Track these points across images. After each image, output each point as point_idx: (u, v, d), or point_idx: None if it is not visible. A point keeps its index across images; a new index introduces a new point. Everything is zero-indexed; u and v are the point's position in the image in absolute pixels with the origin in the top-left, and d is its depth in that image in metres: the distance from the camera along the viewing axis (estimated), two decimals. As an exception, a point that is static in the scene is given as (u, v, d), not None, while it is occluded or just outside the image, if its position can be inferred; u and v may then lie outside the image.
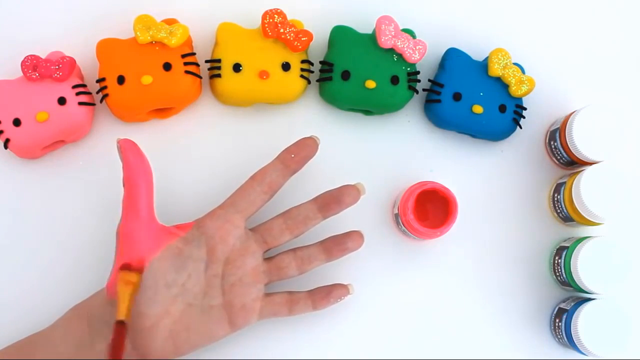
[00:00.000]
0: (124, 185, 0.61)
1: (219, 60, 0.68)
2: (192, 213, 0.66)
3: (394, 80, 0.69)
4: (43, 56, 0.67)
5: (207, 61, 0.69)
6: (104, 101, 0.68)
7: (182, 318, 0.62)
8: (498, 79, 0.69)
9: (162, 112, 0.70)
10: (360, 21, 0.70)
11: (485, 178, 0.72)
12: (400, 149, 0.72)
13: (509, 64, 0.69)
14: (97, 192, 0.69)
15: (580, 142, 0.66)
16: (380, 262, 0.70)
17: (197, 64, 0.69)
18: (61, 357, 0.61)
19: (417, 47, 0.68)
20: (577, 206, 0.65)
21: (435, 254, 0.71)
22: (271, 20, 0.68)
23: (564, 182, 0.68)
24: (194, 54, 0.69)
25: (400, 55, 0.69)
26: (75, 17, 0.72)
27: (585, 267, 0.64)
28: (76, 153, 0.70)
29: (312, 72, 0.70)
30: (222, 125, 0.71)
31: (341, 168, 0.71)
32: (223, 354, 0.67)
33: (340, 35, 0.70)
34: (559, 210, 0.69)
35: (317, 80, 0.70)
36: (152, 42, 0.67)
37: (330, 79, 0.69)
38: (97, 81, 0.68)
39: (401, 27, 0.69)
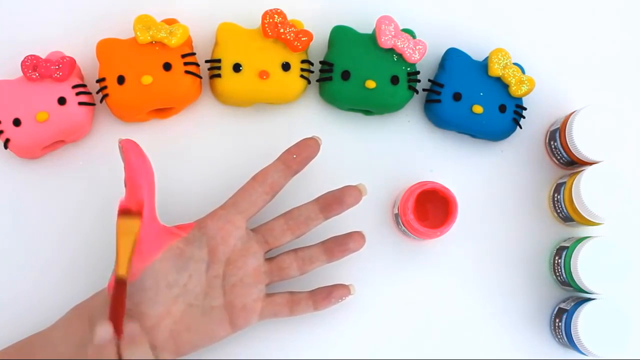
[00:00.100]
0: (125, 186, 0.61)
1: (219, 60, 0.68)
2: (193, 213, 0.66)
3: (394, 80, 0.69)
4: (43, 56, 0.67)
5: (207, 61, 0.69)
6: (104, 101, 0.68)
7: (183, 318, 0.62)
8: (498, 79, 0.69)
9: (162, 112, 0.70)
10: (360, 21, 0.70)
11: (485, 178, 0.72)
12: (400, 149, 0.72)
13: (509, 64, 0.69)
14: (97, 192, 0.69)
15: (580, 142, 0.66)
16: (380, 262, 0.70)
17: (197, 64, 0.69)
18: (61, 357, 0.61)
19: (417, 47, 0.68)
20: (577, 206, 0.65)
21: (435, 254, 0.71)
22: (271, 20, 0.68)
23: (564, 182, 0.68)
24: (194, 54, 0.69)
25: (400, 55, 0.69)
26: (75, 17, 0.71)
27: (585, 267, 0.64)
28: (76, 153, 0.70)
29: (312, 72, 0.70)
30: (222, 125, 0.71)
31: (341, 168, 0.70)
32: (224, 354, 0.67)
33: (340, 35, 0.70)
34: (559, 210, 0.69)
35: (317, 80, 0.70)
36: (152, 42, 0.67)
37: (330, 79, 0.69)
38: (97, 81, 0.68)
39: (401, 27, 0.69)
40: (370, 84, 0.68)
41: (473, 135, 0.71)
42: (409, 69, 0.69)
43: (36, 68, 0.66)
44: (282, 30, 0.68)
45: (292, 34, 0.68)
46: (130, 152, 0.61)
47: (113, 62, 0.67)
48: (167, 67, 0.67)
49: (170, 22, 0.68)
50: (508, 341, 0.70)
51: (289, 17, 0.68)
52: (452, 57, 0.70)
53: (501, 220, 0.71)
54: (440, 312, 0.70)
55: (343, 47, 0.69)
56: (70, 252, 0.69)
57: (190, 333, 0.62)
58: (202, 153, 0.71)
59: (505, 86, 0.69)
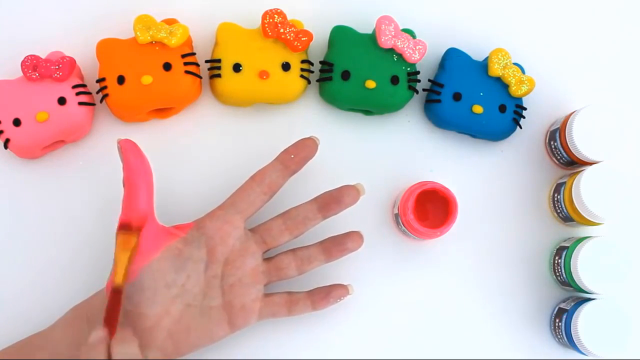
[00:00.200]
0: (124, 186, 0.61)
1: (219, 60, 0.68)
2: (191, 213, 0.66)
3: (394, 80, 0.69)
4: (43, 56, 0.67)
5: (207, 61, 0.69)
6: (104, 101, 0.68)
7: (181, 318, 0.62)
8: (498, 79, 0.69)
9: (162, 112, 0.70)
10: (360, 21, 0.70)
11: (485, 178, 0.72)
12: (400, 149, 0.72)
13: (509, 64, 0.69)
14: (97, 192, 0.69)
15: (580, 142, 0.66)
16: (380, 262, 0.70)
17: (197, 64, 0.69)
18: (61, 357, 0.61)
19: (417, 47, 0.68)
20: (577, 206, 0.65)
21: (435, 254, 0.71)
22: (271, 20, 0.68)
23: (564, 182, 0.68)
24: (194, 54, 0.69)
25: (400, 55, 0.69)
26: (75, 17, 0.72)
27: (585, 267, 0.64)
28: (76, 153, 0.70)
29: (312, 72, 0.70)
30: (222, 125, 0.71)
31: (341, 168, 0.70)
32: (223, 354, 0.67)
33: (340, 35, 0.70)
34: (559, 210, 0.69)
35: (317, 80, 0.70)
36: (152, 42, 0.67)
37: (330, 79, 0.69)
38: (97, 81, 0.68)
39: (401, 27, 0.69)
40: (370, 84, 0.68)
41: (473, 135, 0.71)
42: (409, 69, 0.69)
43: (36, 68, 0.66)
44: (282, 30, 0.68)
45: (292, 34, 0.68)
46: (129, 153, 0.61)
47: (113, 62, 0.67)
48: (167, 67, 0.67)
49: (170, 22, 0.68)
50: (508, 341, 0.70)
51: (289, 17, 0.68)
52: (452, 57, 0.70)
53: (501, 220, 0.71)
54: (440, 312, 0.70)
55: (343, 47, 0.69)
56: (70, 252, 0.69)
57: (189, 333, 0.62)
58: (202, 153, 0.71)
59: (505, 86, 0.69)
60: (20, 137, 0.66)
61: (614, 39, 0.74)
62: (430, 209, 0.68)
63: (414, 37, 0.69)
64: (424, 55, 0.68)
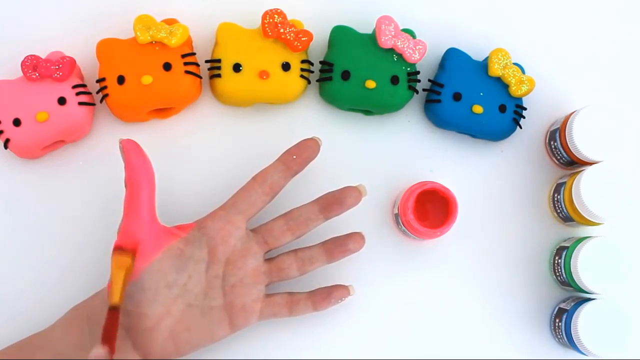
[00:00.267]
0: (125, 186, 0.61)
1: (219, 60, 0.68)
2: (192, 213, 0.66)
3: (394, 80, 0.69)
4: (43, 56, 0.67)
5: (207, 61, 0.69)
6: (104, 101, 0.68)
7: (182, 318, 0.62)
8: (498, 79, 0.69)
9: (162, 112, 0.70)
10: (360, 21, 0.70)
11: (485, 178, 0.72)
12: (400, 149, 0.72)
13: (509, 64, 0.69)
14: (97, 192, 0.69)
15: (580, 142, 0.66)
16: (380, 262, 0.70)
17: (197, 64, 0.69)
18: (61, 357, 0.61)
19: (417, 47, 0.68)
20: (577, 206, 0.65)
21: (435, 254, 0.71)
22: (271, 20, 0.68)
23: (564, 182, 0.68)
24: (194, 54, 0.69)
25: (400, 55, 0.69)
26: (75, 17, 0.71)
27: (585, 267, 0.64)
28: (76, 153, 0.70)
29: (312, 72, 0.70)
30: (222, 125, 0.71)
31: (341, 168, 0.70)
32: (223, 354, 0.67)
33: (340, 35, 0.70)
34: (559, 210, 0.69)
35: (317, 80, 0.70)
36: (152, 42, 0.67)
37: (330, 79, 0.69)
38: (97, 81, 0.68)
39: (401, 27, 0.69)
40: (370, 84, 0.68)
41: (473, 135, 0.71)
42: (409, 69, 0.69)
43: (36, 68, 0.66)
44: (282, 30, 0.68)
45: (292, 34, 0.68)
46: (131, 152, 0.61)
47: (113, 62, 0.67)
48: (167, 67, 0.67)
49: (170, 22, 0.68)
50: (508, 341, 0.70)
51: (289, 17, 0.68)
52: (452, 57, 0.70)
53: (501, 220, 0.71)
54: (440, 312, 0.70)
55: (343, 47, 0.69)
56: (70, 252, 0.69)
57: (190, 333, 0.62)
58: (202, 153, 0.71)
59: (505, 86, 0.69)
60: (20, 137, 0.66)
61: (614, 39, 0.74)
62: (430, 209, 0.68)
63: (414, 37, 0.69)
64: (424, 55, 0.68)
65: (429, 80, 0.70)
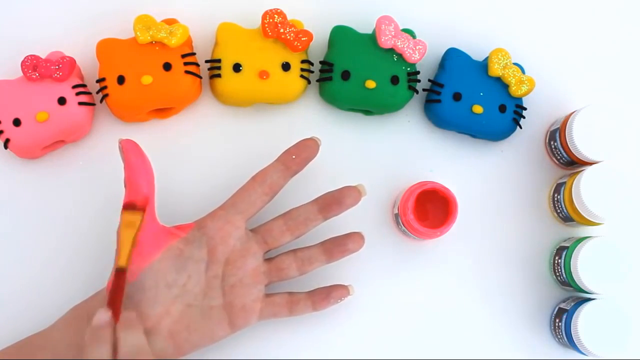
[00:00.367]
0: (125, 186, 0.61)
1: (219, 60, 0.68)
2: (192, 213, 0.66)
3: (394, 80, 0.69)
4: (43, 56, 0.67)
5: (207, 61, 0.69)
6: (104, 101, 0.68)
7: (182, 318, 0.62)
8: (498, 79, 0.69)
9: (162, 112, 0.70)
10: (360, 21, 0.70)
11: (485, 178, 0.72)
12: (400, 149, 0.72)
13: (509, 64, 0.69)
14: (97, 192, 0.69)
15: (580, 142, 0.66)
16: (380, 262, 0.70)
17: (197, 64, 0.69)
18: (60, 357, 0.61)
19: (417, 47, 0.68)
20: (577, 206, 0.65)
21: (435, 254, 0.71)
22: (271, 20, 0.68)
23: (564, 182, 0.68)
24: (194, 54, 0.69)
25: (400, 55, 0.69)
26: (75, 17, 0.71)
27: (585, 267, 0.64)
28: (76, 153, 0.70)
29: (312, 72, 0.70)
30: (222, 125, 0.71)
31: (341, 168, 0.70)
32: (223, 354, 0.67)
33: (340, 35, 0.70)
34: (559, 210, 0.69)
35: (317, 80, 0.70)
36: (152, 42, 0.67)
37: (330, 79, 0.69)
38: (97, 81, 0.68)
39: (401, 27, 0.69)
40: (370, 84, 0.68)
41: (473, 135, 0.71)
42: (409, 69, 0.69)
43: (36, 68, 0.66)
44: (282, 30, 0.68)
45: (292, 34, 0.68)
46: (130, 152, 0.61)
47: (113, 62, 0.67)
48: (167, 67, 0.67)
49: (170, 22, 0.68)
50: (508, 341, 0.70)
51: (289, 17, 0.68)
52: (452, 57, 0.70)
53: (501, 220, 0.71)
54: (440, 312, 0.70)
55: (343, 47, 0.69)
56: (70, 252, 0.69)
57: (190, 333, 0.62)
58: (202, 153, 0.71)
59: (505, 86, 0.69)
60: (20, 137, 0.66)
61: (614, 39, 0.74)
62: (430, 209, 0.68)
63: (414, 37, 0.69)
64: (424, 55, 0.68)
65: (429, 80, 0.70)
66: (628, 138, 0.65)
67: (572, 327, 0.65)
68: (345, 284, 0.66)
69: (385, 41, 0.68)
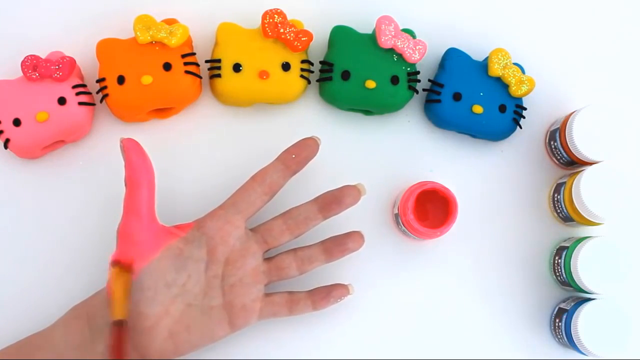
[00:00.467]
0: (125, 185, 0.61)
1: (219, 60, 0.68)
2: (192, 213, 0.66)
3: (394, 80, 0.69)
4: (43, 56, 0.67)
5: (207, 61, 0.69)
6: (104, 101, 0.68)
7: (182, 318, 0.62)
8: (498, 79, 0.69)
9: (162, 112, 0.70)
10: (360, 21, 0.70)
11: (485, 178, 0.72)
12: (400, 149, 0.72)
13: (509, 64, 0.69)
14: (97, 192, 0.69)
15: (580, 142, 0.66)
16: (380, 262, 0.70)
17: (197, 64, 0.69)
18: (60, 357, 0.61)
19: (417, 47, 0.68)
20: (577, 206, 0.65)
21: (435, 254, 0.71)
22: (271, 20, 0.68)
23: (564, 182, 0.68)
24: (194, 54, 0.69)
25: (400, 55, 0.69)
26: (75, 17, 0.71)
27: (585, 267, 0.64)
28: (76, 153, 0.70)
29: (312, 72, 0.70)
30: (222, 125, 0.71)
31: (341, 168, 0.70)
32: (223, 354, 0.67)
33: (340, 35, 0.70)
34: (559, 210, 0.69)
35: (317, 80, 0.70)
36: (152, 42, 0.67)
37: (330, 79, 0.69)
38: (97, 81, 0.68)
39: (401, 27, 0.69)
40: (370, 84, 0.68)
41: (473, 135, 0.71)
42: (409, 69, 0.69)
43: (36, 68, 0.66)
44: (282, 30, 0.68)
45: (292, 34, 0.68)
46: (132, 152, 0.61)
47: (113, 62, 0.67)
48: (167, 67, 0.67)
49: (170, 22, 0.68)
50: (508, 341, 0.70)
51: (289, 17, 0.68)
52: (452, 57, 0.70)
53: (501, 221, 0.71)
54: (440, 312, 0.70)
55: (343, 47, 0.69)
56: (70, 252, 0.69)
57: (189, 333, 0.62)
58: (202, 153, 0.71)
59: (505, 86, 0.69)
60: (20, 137, 0.66)
61: (614, 39, 0.74)
62: (430, 209, 0.68)
63: (414, 37, 0.69)
64: (424, 55, 0.68)
65: (429, 80, 0.70)
66: (628, 138, 0.65)
67: (572, 327, 0.65)
68: (345, 284, 0.66)
69: (385, 41, 0.68)
